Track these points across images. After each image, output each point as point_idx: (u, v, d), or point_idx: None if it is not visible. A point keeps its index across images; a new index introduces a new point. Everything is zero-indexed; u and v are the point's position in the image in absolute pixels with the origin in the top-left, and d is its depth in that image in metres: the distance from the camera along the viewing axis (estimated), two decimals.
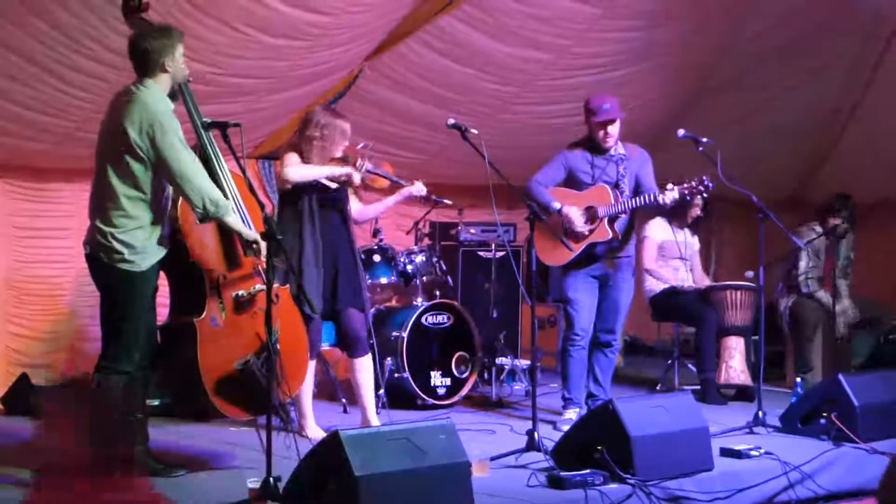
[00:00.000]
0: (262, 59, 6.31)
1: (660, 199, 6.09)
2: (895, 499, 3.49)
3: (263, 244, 4.68)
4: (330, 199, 5.76)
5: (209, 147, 4.84)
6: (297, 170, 5.60)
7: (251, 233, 4.74)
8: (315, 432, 5.71)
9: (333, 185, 5.74)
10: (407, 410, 6.63)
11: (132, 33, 4.71)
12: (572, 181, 6.31)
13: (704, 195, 6.17)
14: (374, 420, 5.87)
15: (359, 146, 5.89)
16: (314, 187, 5.66)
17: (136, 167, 4.51)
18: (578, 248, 6.22)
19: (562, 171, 6.33)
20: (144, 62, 4.63)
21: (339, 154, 5.75)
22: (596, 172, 6.27)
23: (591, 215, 6.21)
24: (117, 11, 5.34)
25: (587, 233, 6.20)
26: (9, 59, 5.55)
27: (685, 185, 6.09)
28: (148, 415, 4.91)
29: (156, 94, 4.59)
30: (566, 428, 6.01)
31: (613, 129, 6.24)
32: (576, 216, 6.19)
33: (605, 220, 6.19)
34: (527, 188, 6.28)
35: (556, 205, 6.20)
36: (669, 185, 6.10)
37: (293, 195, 5.69)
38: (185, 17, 5.59)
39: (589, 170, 6.28)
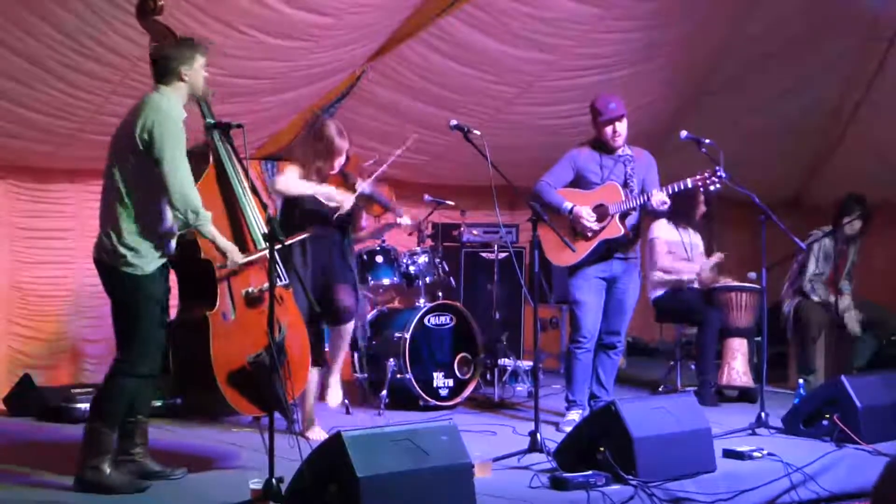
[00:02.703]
0: (265, 59, 6.31)
1: (656, 198, 6.13)
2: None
3: (235, 259, 4.73)
4: (331, 215, 5.74)
5: (222, 149, 4.86)
6: (282, 182, 5.63)
7: (226, 243, 4.72)
8: (317, 434, 5.71)
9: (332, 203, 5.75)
10: (409, 411, 6.63)
11: (154, 41, 4.73)
12: (581, 181, 6.30)
13: (717, 186, 6.19)
14: (338, 389, 5.97)
15: (367, 163, 5.90)
16: (316, 199, 5.67)
17: (142, 170, 4.52)
18: (590, 246, 6.22)
19: (570, 171, 6.32)
20: (160, 68, 4.66)
21: (334, 171, 5.76)
22: (605, 172, 6.28)
23: (601, 213, 6.22)
24: (119, 13, 5.37)
25: (598, 230, 6.21)
26: (11, 61, 5.56)
27: (697, 178, 6.13)
28: (148, 416, 4.91)
29: (168, 99, 4.61)
30: (569, 429, 6.02)
31: (621, 127, 6.25)
32: (587, 215, 6.19)
33: (617, 217, 6.21)
34: (536, 190, 6.28)
35: (568, 205, 6.19)
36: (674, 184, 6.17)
37: (295, 203, 5.70)
38: (188, 18, 5.59)
39: (598, 170, 6.29)
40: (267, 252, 4.57)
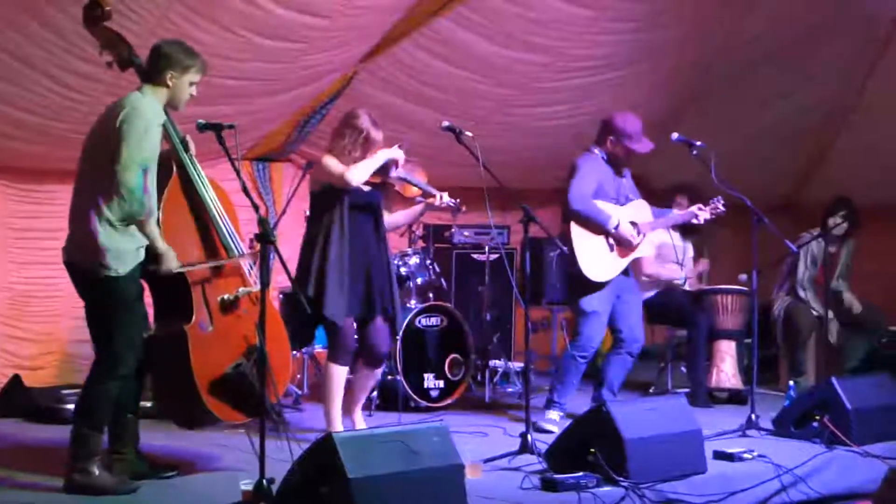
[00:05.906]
0: (257, 61, 6.31)
1: (700, 218, 6.45)
2: None
3: (170, 265, 4.61)
4: (363, 203, 5.72)
5: (185, 157, 4.80)
6: (357, 172, 5.54)
7: (164, 247, 4.60)
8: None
9: (366, 188, 5.70)
10: (400, 413, 6.62)
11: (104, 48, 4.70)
12: (597, 194, 6.24)
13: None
14: (362, 424, 5.90)
15: (395, 147, 5.88)
16: (347, 190, 5.62)
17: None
18: (625, 263, 6.32)
19: (594, 182, 6.24)
20: (151, 63, 4.63)
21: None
22: (616, 190, 6.31)
23: (637, 230, 6.27)
24: (113, 14, 5.34)
25: (636, 246, 6.26)
26: (4, 62, 5.55)
27: (710, 207, 6.49)
28: (137, 412, 4.90)
29: (147, 98, 4.58)
30: (550, 427, 6.03)
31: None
32: (632, 234, 6.23)
33: (645, 236, 6.31)
34: (579, 209, 6.12)
35: (614, 222, 6.13)
36: (699, 206, 6.49)
37: (324, 197, 5.67)
38: (181, 19, 5.59)
39: (613, 186, 6.30)
40: (229, 259, 4.73)
